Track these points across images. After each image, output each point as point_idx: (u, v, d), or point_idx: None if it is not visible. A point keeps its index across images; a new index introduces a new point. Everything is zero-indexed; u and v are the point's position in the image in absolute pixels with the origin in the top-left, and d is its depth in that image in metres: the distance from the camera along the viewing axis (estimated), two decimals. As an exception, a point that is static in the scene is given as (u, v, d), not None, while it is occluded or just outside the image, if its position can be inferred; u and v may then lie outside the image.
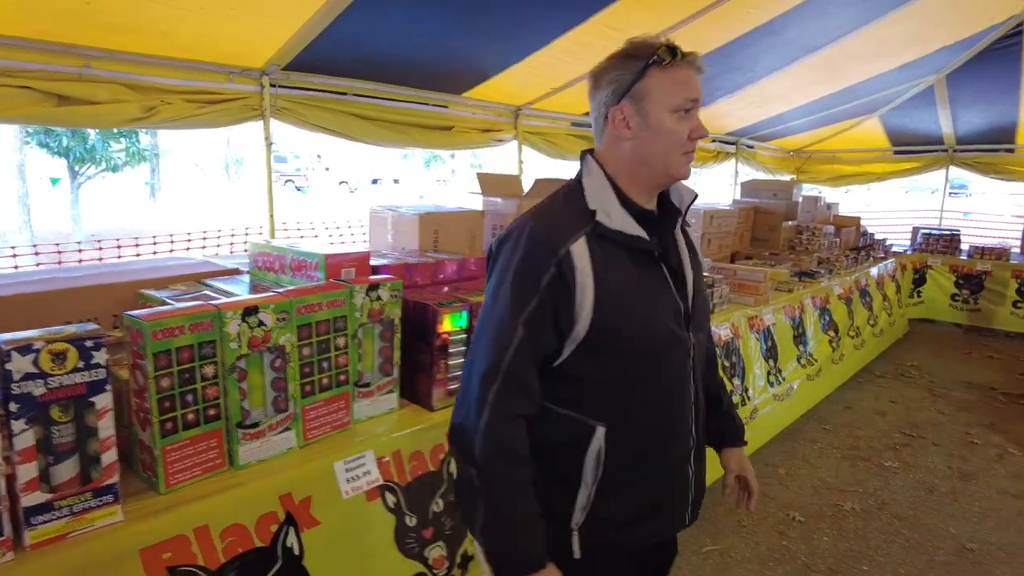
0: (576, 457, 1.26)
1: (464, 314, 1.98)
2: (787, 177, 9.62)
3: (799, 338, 4.42)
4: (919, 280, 7.14)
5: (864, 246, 6.42)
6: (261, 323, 1.58)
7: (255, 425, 1.61)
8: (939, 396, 4.88)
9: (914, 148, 8.58)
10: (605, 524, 1.29)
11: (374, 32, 3.33)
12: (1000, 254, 6.80)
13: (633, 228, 1.26)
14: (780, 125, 7.56)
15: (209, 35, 2.97)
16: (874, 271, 6.00)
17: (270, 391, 1.64)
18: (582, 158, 1.35)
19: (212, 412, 1.53)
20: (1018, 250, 7.15)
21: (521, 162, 5.07)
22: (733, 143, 7.92)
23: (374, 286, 1.82)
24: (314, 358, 1.71)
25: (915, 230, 7.61)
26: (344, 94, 3.83)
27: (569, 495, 1.28)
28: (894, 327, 6.33)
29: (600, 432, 1.24)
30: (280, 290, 1.70)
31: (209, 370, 1.51)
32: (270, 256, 2.12)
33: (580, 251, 1.20)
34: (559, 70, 4.44)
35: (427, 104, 4.27)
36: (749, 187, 6.21)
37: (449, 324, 1.93)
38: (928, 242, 7.28)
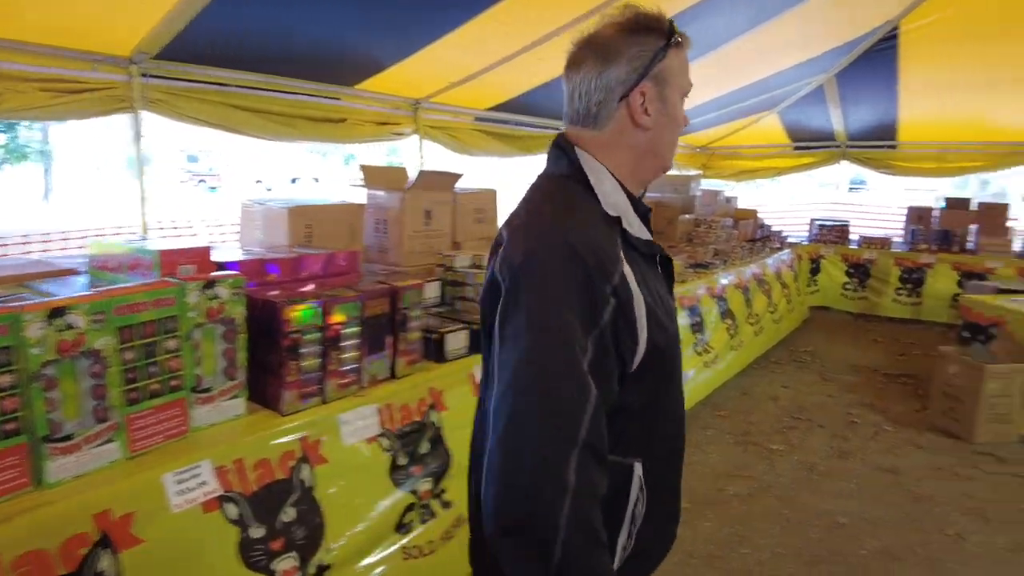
0: (620, 506, 1.10)
1: (317, 310, 1.88)
2: (694, 172, 9.92)
3: (696, 327, 4.52)
4: (815, 269, 7.49)
5: (761, 237, 6.66)
6: (70, 326, 1.43)
7: (68, 438, 1.47)
8: (828, 380, 5.11)
9: (811, 144, 8.97)
10: (639, 555, 1.17)
11: (253, 20, 3.16)
12: (884, 243, 7.21)
13: (646, 234, 1.13)
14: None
15: (66, 18, 2.74)
16: (770, 261, 6.23)
17: (88, 400, 1.49)
18: (567, 148, 1.13)
19: (11, 427, 1.38)
20: (901, 239, 7.58)
21: (422, 157, 4.97)
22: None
23: (211, 283, 1.70)
24: (139, 362, 1.57)
25: (812, 221, 7.97)
26: (225, 85, 3.63)
27: (611, 545, 1.10)
28: (793, 314, 6.61)
29: (638, 468, 1.09)
30: (96, 289, 1.56)
31: (6, 379, 1.36)
32: (107, 255, 1.95)
33: (628, 271, 1.02)
34: (458, 63, 4.38)
35: (317, 96, 4.11)
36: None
37: (298, 321, 1.83)
38: (822, 232, 7.64)
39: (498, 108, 5.36)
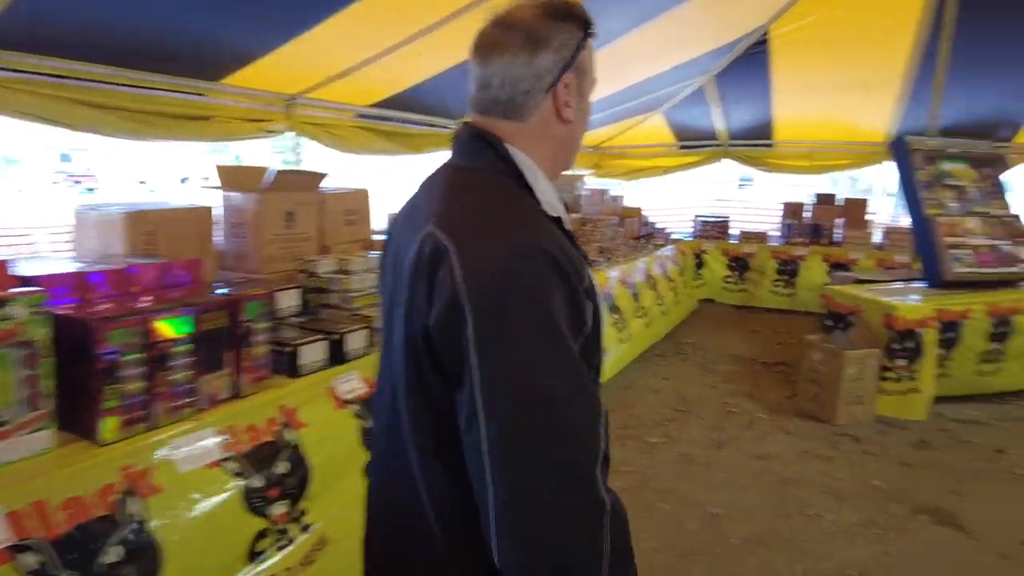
0: None
1: (138, 327, 1.70)
2: (587, 173, 10.11)
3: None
4: (699, 264, 7.78)
5: (645, 234, 6.85)
6: None
7: None
8: (709, 371, 5.31)
9: (695, 143, 9.36)
10: None
11: (92, 4, 2.87)
12: (761, 237, 7.59)
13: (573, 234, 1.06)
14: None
15: None
16: (655, 257, 6.40)
17: None
18: (493, 141, 1.02)
19: None
20: (778, 233, 8.01)
21: (298, 156, 4.74)
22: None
23: (1, 302, 1.49)
24: (-95, 398, 1.35)
25: (695, 218, 8.27)
26: (64, 77, 3.29)
27: None
28: (680, 307, 6.82)
29: None
30: None
31: None
32: None
33: (591, 273, 0.98)
34: (333, 57, 4.19)
35: (177, 91, 3.81)
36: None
37: (116, 340, 1.64)
38: (704, 228, 7.96)
39: (381, 104, 5.19)
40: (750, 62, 7.14)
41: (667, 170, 9.79)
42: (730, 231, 7.98)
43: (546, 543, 0.83)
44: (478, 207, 0.97)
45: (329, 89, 4.62)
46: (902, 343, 4.16)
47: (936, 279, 4.59)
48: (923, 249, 4.69)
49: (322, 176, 3.00)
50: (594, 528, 0.87)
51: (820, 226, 7.49)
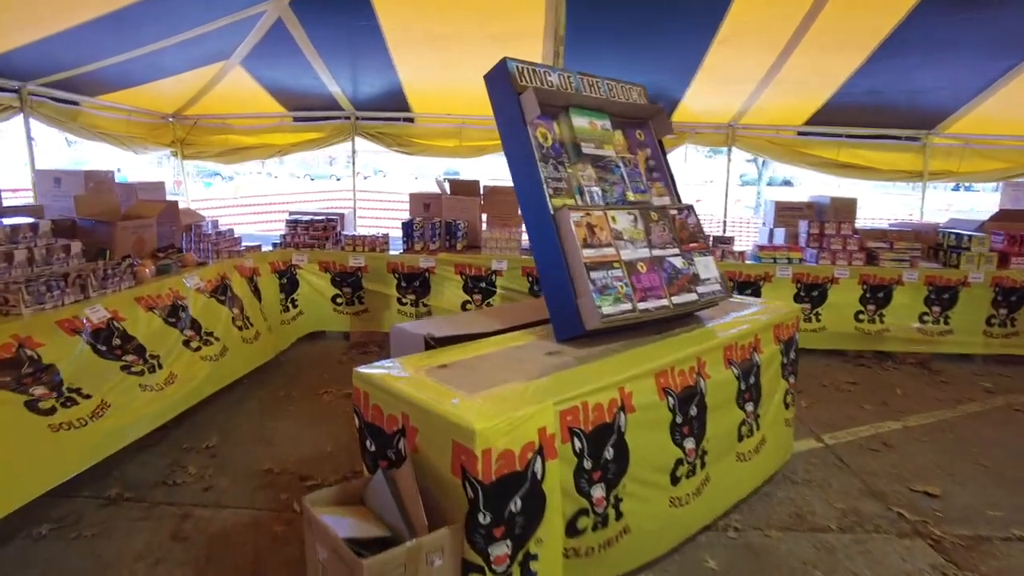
0: None
1: None
2: (164, 151, 6.66)
3: None
4: (293, 284, 4.89)
5: (166, 248, 3.77)
6: None
7: None
8: (178, 538, 2.37)
9: (314, 115, 6.57)
10: None
11: None
12: (376, 244, 4.97)
13: None
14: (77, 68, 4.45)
15: None
16: (146, 294, 3.32)
17: None
18: None
19: None
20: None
21: None
22: (14, 90, 4.47)
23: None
24: None
25: (288, 218, 5.31)
26: None
27: None
28: (227, 365, 3.70)
29: None
30: None
31: None
32: None
33: None
34: None
35: None
36: None
37: None
38: (296, 233, 5.06)
39: None
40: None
41: (282, 149, 6.90)
42: (342, 234, 5.21)
43: None
44: None
45: None
46: (496, 501, 1.73)
47: (573, 328, 2.30)
48: (547, 272, 2.37)
49: None
50: None
51: (455, 224, 5.13)
